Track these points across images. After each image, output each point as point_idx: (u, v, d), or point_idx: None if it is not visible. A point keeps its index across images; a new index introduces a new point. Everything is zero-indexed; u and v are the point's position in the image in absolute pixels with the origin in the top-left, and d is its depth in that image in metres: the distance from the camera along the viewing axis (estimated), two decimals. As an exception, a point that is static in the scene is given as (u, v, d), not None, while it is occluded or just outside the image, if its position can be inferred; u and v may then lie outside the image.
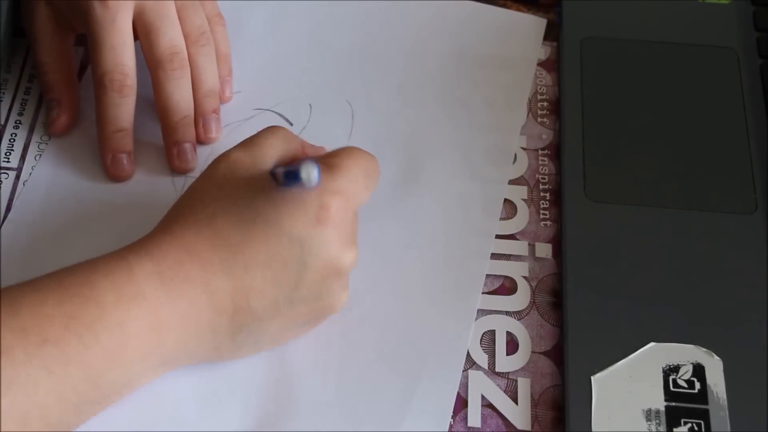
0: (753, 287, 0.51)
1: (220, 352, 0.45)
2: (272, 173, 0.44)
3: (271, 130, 0.47)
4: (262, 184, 0.44)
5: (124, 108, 0.53)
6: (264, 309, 0.44)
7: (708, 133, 0.57)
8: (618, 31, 0.62)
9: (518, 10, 0.64)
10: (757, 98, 0.58)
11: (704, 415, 0.47)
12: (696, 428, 0.46)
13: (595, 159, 0.56)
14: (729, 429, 0.46)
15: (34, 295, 0.41)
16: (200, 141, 0.56)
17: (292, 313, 0.45)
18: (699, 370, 0.48)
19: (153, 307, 0.42)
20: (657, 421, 0.46)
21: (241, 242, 0.43)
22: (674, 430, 0.46)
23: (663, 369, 0.48)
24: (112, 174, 0.54)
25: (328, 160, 0.45)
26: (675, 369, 0.48)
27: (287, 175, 0.41)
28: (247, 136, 0.47)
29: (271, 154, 0.46)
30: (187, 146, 0.55)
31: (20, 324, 0.39)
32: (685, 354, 0.49)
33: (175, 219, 0.45)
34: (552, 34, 0.63)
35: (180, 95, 0.54)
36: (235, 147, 0.46)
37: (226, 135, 0.57)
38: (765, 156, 0.56)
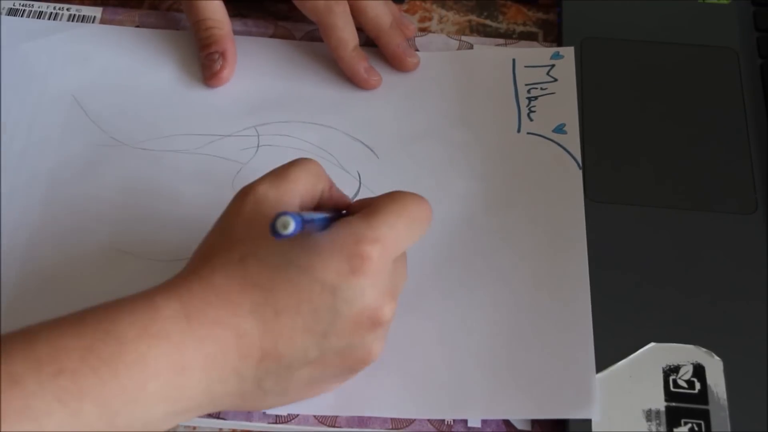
0: (753, 287, 0.51)
1: (245, 398, 0.43)
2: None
3: (301, 163, 0.45)
4: None
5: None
6: (292, 355, 0.42)
7: (708, 133, 0.57)
8: (618, 31, 0.62)
9: (518, 10, 0.64)
10: (757, 98, 0.58)
11: (704, 415, 0.47)
12: (696, 428, 0.46)
13: (595, 159, 0.56)
14: (729, 429, 0.46)
15: (52, 328, 0.39)
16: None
17: (321, 362, 0.43)
18: (699, 371, 0.48)
19: (177, 347, 0.40)
20: (657, 421, 0.46)
21: (271, 287, 0.41)
22: (674, 430, 0.46)
23: (663, 369, 0.48)
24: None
25: (370, 205, 0.44)
26: (675, 369, 0.48)
27: (271, 224, 0.38)
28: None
29: (297, 189, 0.44)
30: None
31: (35, 355, 0.38)
32: (685, 354, 0.48)
33: (204, 260, 0.43)
34: (552, 34, 0.63)
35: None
36: (262, 178, 0.44)
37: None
38: (765, 156, 0.56)
